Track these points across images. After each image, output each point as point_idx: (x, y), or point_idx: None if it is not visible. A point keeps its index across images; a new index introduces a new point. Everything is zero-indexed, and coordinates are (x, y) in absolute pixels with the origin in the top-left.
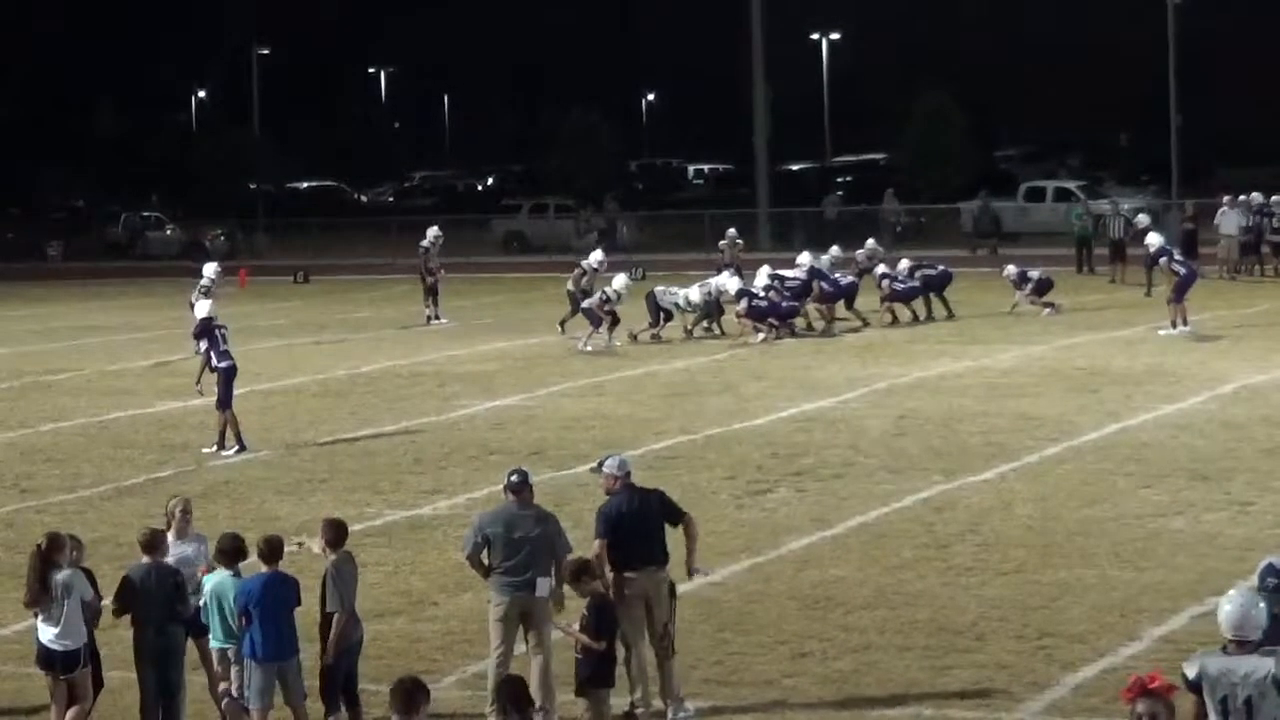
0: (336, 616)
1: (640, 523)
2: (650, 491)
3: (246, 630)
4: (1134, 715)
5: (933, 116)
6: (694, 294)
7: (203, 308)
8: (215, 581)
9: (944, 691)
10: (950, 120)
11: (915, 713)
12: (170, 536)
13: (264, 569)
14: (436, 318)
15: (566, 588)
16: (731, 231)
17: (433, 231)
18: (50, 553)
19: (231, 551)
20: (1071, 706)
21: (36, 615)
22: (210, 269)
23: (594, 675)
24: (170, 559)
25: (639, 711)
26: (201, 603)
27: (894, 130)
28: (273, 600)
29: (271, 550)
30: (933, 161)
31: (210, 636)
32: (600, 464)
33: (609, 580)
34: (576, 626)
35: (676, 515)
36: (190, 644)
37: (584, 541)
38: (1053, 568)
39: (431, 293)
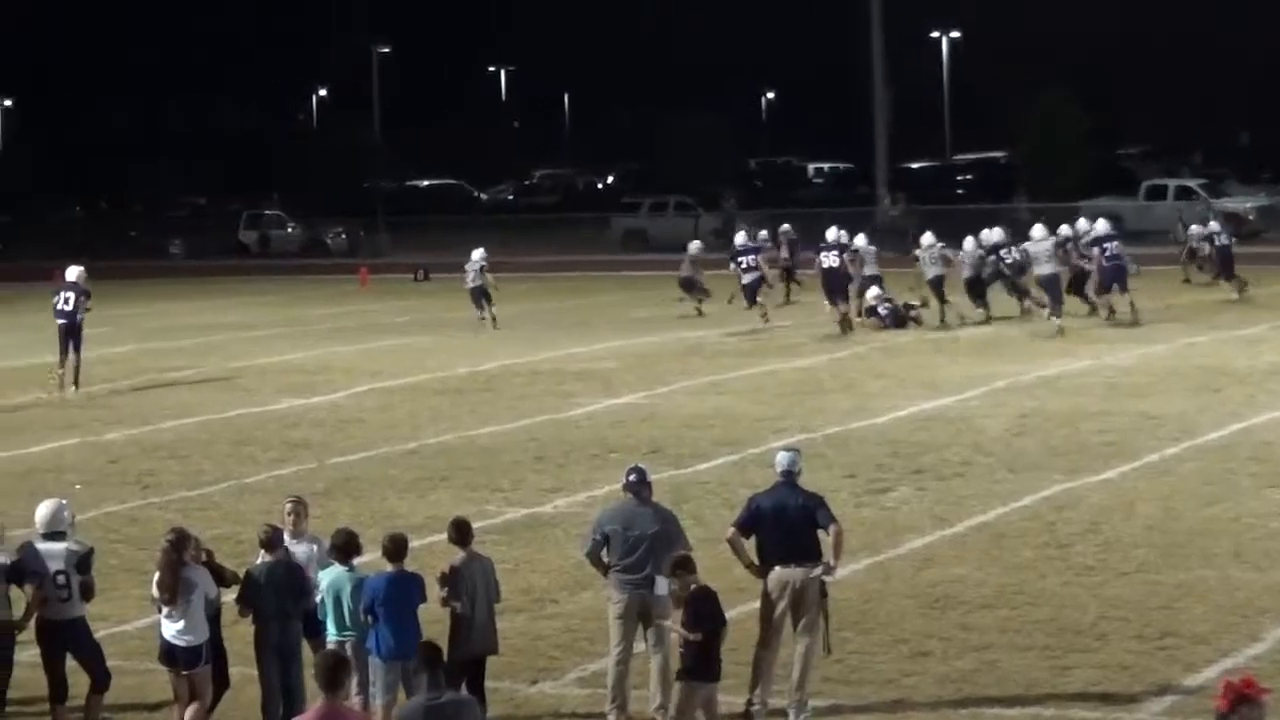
0: (451, 615)
1: (776, 521)
2: (803, 493)
3: (372, 628)
4: None
5: (1053, 114)
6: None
7: None
8: (332, 577)
9: (1064, 692)
10: (1070, 118)
11: (1035, 713)
12: (285, 536)
13: (389, 567)
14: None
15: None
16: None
17: (478, 253)
18: (179, 549)
19: (345, 547)
20: (1193, 708)
21: (160, 611)
22: (479, 254)
23: (692, 667)
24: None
25: (754, 709)
26: (318, 599)
27: (1015, 128)
28: (397, 598)
29: (396, 548)
30: (1053, 160)
31: (326, 631)
32: None
33: (747, 563)
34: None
35: (821, 522)
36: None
37: (704, 540)
38: (1174, 568)
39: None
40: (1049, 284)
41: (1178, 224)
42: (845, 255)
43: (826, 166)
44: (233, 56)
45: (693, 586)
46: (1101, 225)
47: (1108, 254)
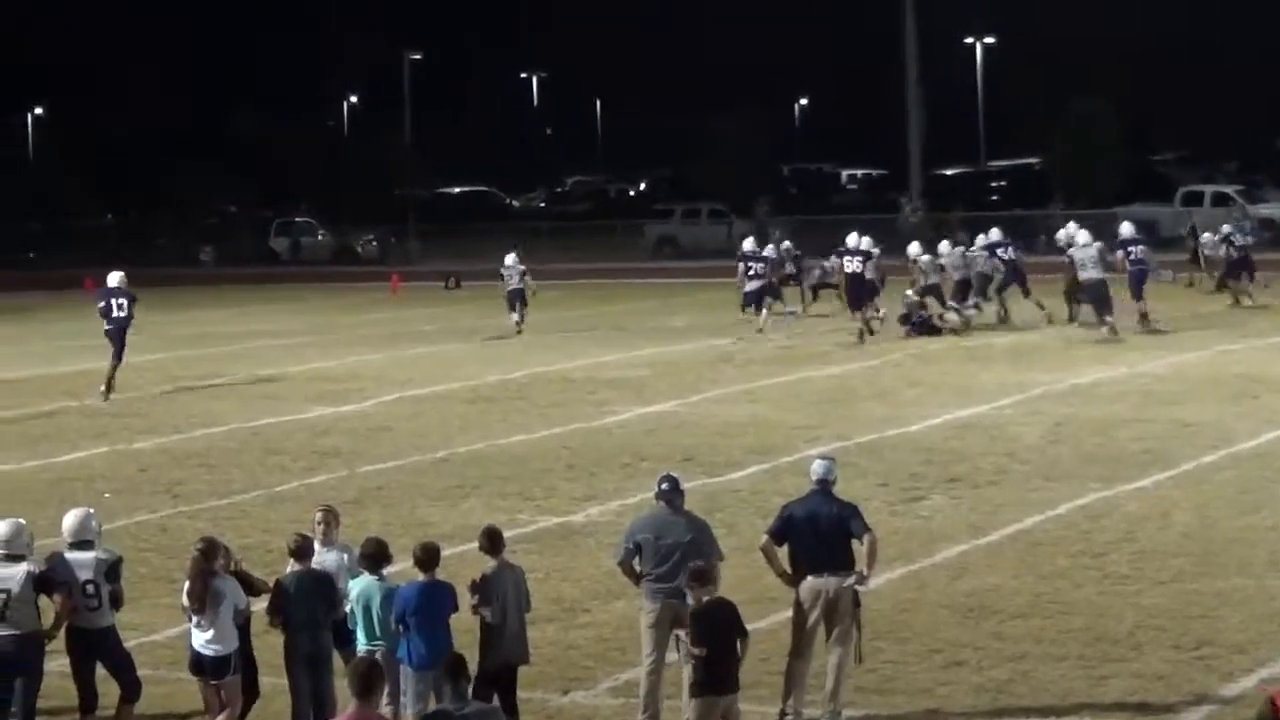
0: (481, 624)
1: (809, 529)
2: (837, 502)
3: (404, 638)
4: None
5: (1086, 120)
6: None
7: None
8: (361, 586)
9: (1100, 702)
10: (1104, 123)
11: None
12: (315, 544)
13: (421, 576)
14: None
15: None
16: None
17: (512, 257)
18: (208, 558)
19: (374, 556)
20: (1230, 717)
21: (190, 620)
22: (512, 258)
23: (703, 680)
24: (315, 566)
25: (788, 719)
26: (347, 608)
27: (1049, 134)
28: (429, 607)
29: (428, 557)
30: (1087, 165)
31: (356, 640)
32: None
33: (779, 572)
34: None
35: (854, 531)
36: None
37: (737, 548)
38: (1211, 576)
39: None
40: (1095, 290)
41: (1188, 227)
42: (870, 261)
43: (860, 173)
44: (263, 62)
45: (705, 599)
46: (1126, 228)
47: (1133, 258)
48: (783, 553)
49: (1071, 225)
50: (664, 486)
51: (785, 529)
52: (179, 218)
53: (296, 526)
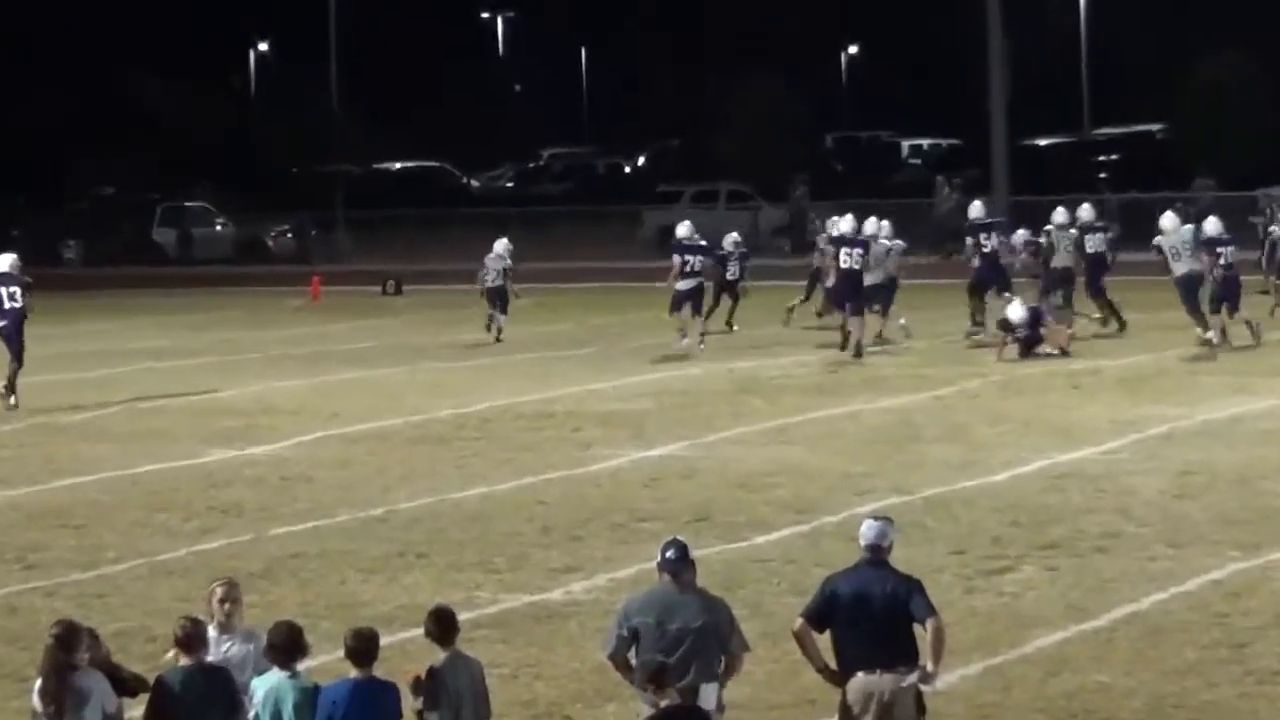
0: None
1: (858, 611)
2: (893, 576)
3: None
4: None
5: (1219, 79)
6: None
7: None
8: (270, 684)
9: None
10: (1243, 84)
11: None
12: (211, 631)
13: (353, 672)
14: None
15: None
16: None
17: (501, 244)
18: (67, 648)
19: (285, 645)
20: None
21: None
22: (501, 245)
23: None
24: (210, 660)
25: None
26: (251, 714)
27: (1170, 97)
28: (364, 712)
29: (364, 648)
30: (1221, 136)
31: None
32: None
33: (820, 666)
34: None
35: (916, 614)
36: None
37: (765, 635)
38: None
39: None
40: (1187, 284)
41: (1267, 214)
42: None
43: (926, 144)
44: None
45: (663, 704)
46: (1212, 225)
47: (1222, 261)
48: (824, 641)
49: (1061, 211)
50: (669, 555)
51: (827, 611)
52: (38, 203)
53: (186, 608)
